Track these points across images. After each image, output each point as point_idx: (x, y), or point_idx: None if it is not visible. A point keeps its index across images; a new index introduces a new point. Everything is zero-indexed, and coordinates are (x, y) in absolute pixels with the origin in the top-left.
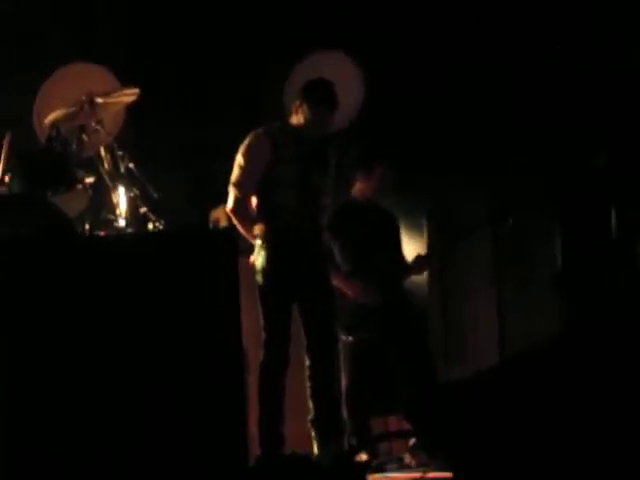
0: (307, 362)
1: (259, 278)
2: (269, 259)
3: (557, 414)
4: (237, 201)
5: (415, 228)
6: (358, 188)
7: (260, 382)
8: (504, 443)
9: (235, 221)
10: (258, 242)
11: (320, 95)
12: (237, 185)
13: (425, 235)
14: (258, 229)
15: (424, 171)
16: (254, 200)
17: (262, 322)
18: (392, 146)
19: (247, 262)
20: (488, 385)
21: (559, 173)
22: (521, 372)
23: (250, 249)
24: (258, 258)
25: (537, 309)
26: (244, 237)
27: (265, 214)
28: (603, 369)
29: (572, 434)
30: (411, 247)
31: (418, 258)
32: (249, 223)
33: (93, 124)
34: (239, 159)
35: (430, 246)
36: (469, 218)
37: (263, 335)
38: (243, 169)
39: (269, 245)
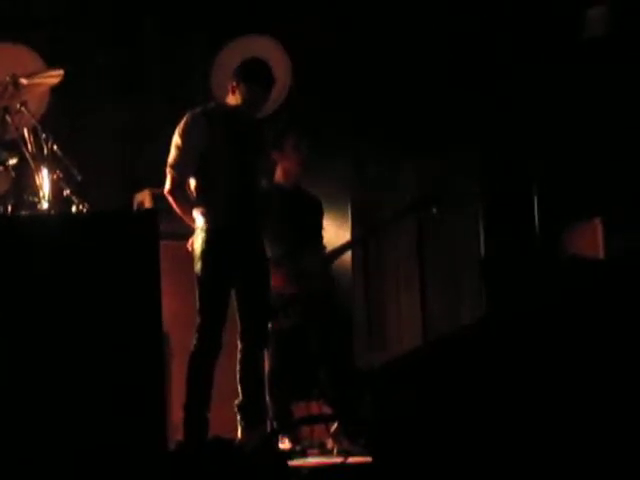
0: (239, 346)
1: (197, 262)
2: (207, 243)
3: (476, 397)
4: (174, 183)
5: (339, 212)
6: (279, 171)
7: (190, 366)
8: (423, 427)
9: (173, 203)
10: (197, 225)
11: (257, 74)
12: (174, 166)
13: (349, 219)
14: (196, 212)
15: (346, 148)
16: (192, 182)
17: (198, 306)
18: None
19: (175, 246)
20: (408, 369)
21: (487, 155)
22: (441, 356)
23: (179, 233)
24: (197, 242)
25: (460, 297)
26: (182, 220)
27: (203, 196)
28: (521, 355)
29: (491, 418)
30: (335, 231)
31: (343, 245)
32: (187, 205)
33: (17, 105)
34: (176, 140)
35: (355, 233)
36: (393, 203)
37: (197, 319)
38: (180, 150)
39: (207, 229)
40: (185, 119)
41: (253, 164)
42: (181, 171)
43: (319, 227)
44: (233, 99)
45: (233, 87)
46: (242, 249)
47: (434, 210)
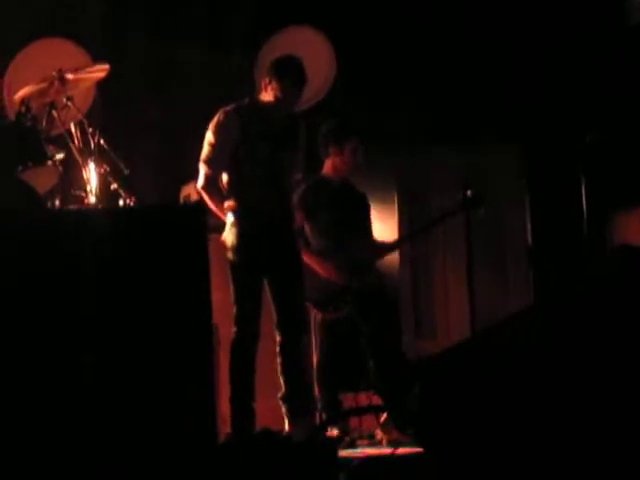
0: (277, 338)
1: (230, 254)
2: (239, 236)
3: (527, 387)
4: (207, 178)
5: (385, 205)
6: (330, 165)
7: (231, 358)
8: (474, 418)
9: (206, 198)
10: (229, 219)
11: (289, 72)
12: (207, 162)
13: (396, 212)
14: (228, 206)
15: (394, 146)
16: (224, 177)
17: (233, 298)
18: (362, 121)
19: (219, 239)
20: (458, 360)
21: (531, 147)
22: (491, 346)
23: (221, 226)
24: (229, 235)
25: (508, 286)
26: (215, 214)
27: (235, 191)
28: (573, 343)
29: (543, 407)
30: (382, 225)
31: (392, 242)
32: (220, 200)
33: (63, 100)
34: (209, 136)
35: (402, 230)
36: (441, 197)
37: (234, 311)
38: (213, 146)
39: (239, 222)
40: (218, 116)
41: (286, 160)
42: (213, 167)
43: (367, 220)
44: (265, 95)
45: (266, 83)
46: (273, 243)
47: (482, 211)
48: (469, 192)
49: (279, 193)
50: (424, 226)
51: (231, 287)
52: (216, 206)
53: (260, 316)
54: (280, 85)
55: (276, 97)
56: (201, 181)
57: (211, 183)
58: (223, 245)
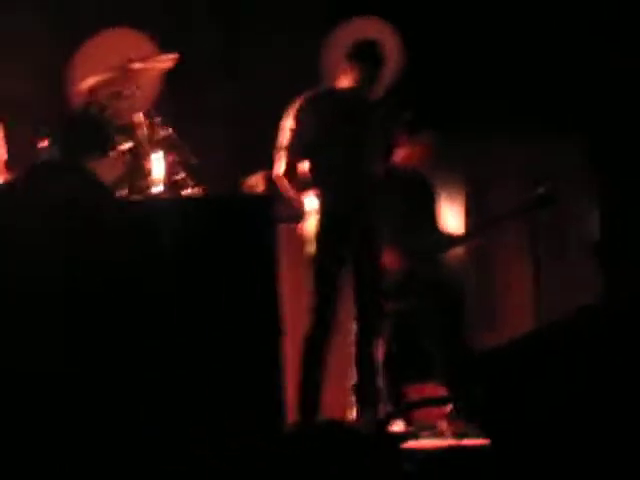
0: (354, 329)
1: (310, 244)
2: (321, 226)
3: (592, 382)
4: (287, 165)
5: (450, 197)
6: (402, 154)
7: (304, 348)
8: (539, 410)
9: (284, 185)
10: (311, 206)
11: (369, 53)
12: (286, 149)
13: (462, 204)
14: (310, 194)
15: (461, 138)
16: (306, 164)
17: (310, 288)
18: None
19: (293, 229)
20: (523, 352)
21: (599, 139)
22: (556, 340)
23: (297, 216)
24: (309, 224)
25: (574, 279)
26: (291, 203)
27: (317, 178)
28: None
29: (608, 404)
30: (447, 216)
31: (460, 236)
32: (298, 187)
33: (131, 90)
34: (288, 122)
35: (470, 226)
36: (504, 187)
37: (310, 301)
38: (292, 132)
39: (322, 211)
40: (297, 101)
41: (365, 144)
42: (293, 153)
43: (435, 211)
44: (346, 81)
45: (345, 69)
46: (355, 232)
47: (552, 207)
48: (543, 189)
49: (363, 178)
50: (492, 221)
51: (307, 277)
52: (295, 194)
53: (336, 308)
54: (360, 68)
55: (356, 81)
56: (281, 168)
57: (290, 170)
58: (297, 235)
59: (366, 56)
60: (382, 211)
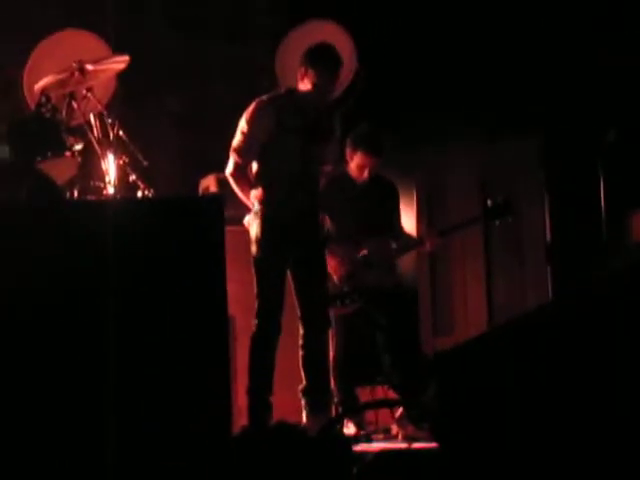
0: (301, 331)
1: (253, 246)
2: (264, 228)
3: (543, 383)
4: (237, 166)
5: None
6: (357, 164)
7: (251, 349)
8: (489, 413)
9: (234, 186)
10: (255, 208)
11: (324, 58)
12: (238, 151)
13: (414, 211)
14: (255, 195)
15: (412, 144)
16: (254, 166)
17: (256, 290)
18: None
19: (239, 231)
20: (474, 355)
21: (549, 144)
22: (508, 341)
23: (243, 218)
24: (253, 225)
25: (526, 282)
26: (242, 203)
27: (264, 181)
28: (592, 340)
29: (558, 403)
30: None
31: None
32: (247, 188)
33: (83, 91)
34: (242, 125)
35: (424, 231)
36: (459, 196)
37: (256, 303)
38: (245, 135)
39: (265, 212)
40: (253, 105)
41: (317, 153)
42: (244, 156)
43: (392, 214)
44: (302, 85)
45: (302, 73)
46: (298, 235)
47: (509, 219)
48: (494, 201)
49: (307, 186)
50: (443, 231)
51: (254, 279)
52: (244, 195)
53: (283, 309)
54: (316, 72)
55: (313, 85)
56: (230, 169)
57: (240, 171)
58: (244, 237)
59: (322, 61)
60: (330, 216)
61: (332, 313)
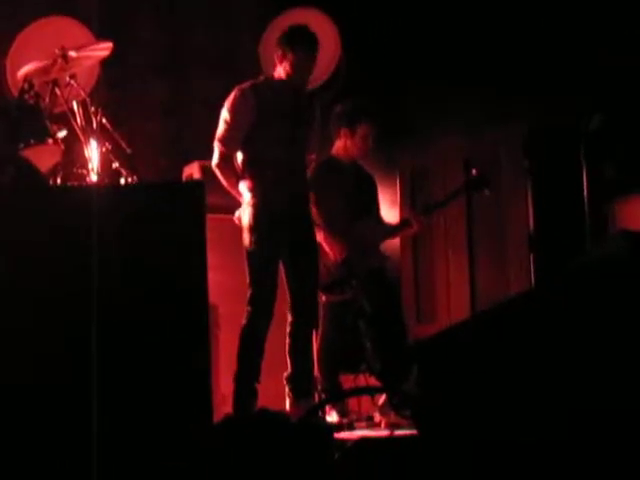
0: (289, 319)
1: (246, 235)
2: (256, 215)
3: (525, 370)
4: (222, 156)
5: (387, 186)
6: (340, 146)
7: (241, 338)
8: (470, 400)
9: (220, 176)
10: (245, 199)
11: (300, 39)
12: (223, 140)
13: (397, 193)
14: (244, 185)
15: (397, 128)
16: (239, 156)
17: (248, 279)
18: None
19: (229, 219)
20: (456, 342)
21: (532, 133)
22: (489, 329)
23: (228, 206)
24: (244, 215)
25: (508, 270)
26: (229, 193)
27: (252, 170)
28: (572, 326)
29: (541, 390)
30: (384, 206)
31: (396, 225)
32: (235, 179)
33: (66, 78)
34: (224, 114)
35: (405, 214)
36: (444, 180)
37: (248, 292)
38: (229, 124)
39: (257, 201)
40: (234, 94)
41: (301, 138)
42: (229, 145)
43: (374, 202)
44: (281, 70)
45: (279, 57)
46: (289, 223)
47: (486, 192)
48: (473, 172)
49: (296, 172)
50: (427, 208)
51: (245, 268)
52: (230, 185)
53: (275, 298)
54: (293, 55)
55: (292, 67)
56: (215, 159)
57: (225, 161)
58: (229, 225)
59: (297, 40)
60: (322, 202)
61: (322, 301)
